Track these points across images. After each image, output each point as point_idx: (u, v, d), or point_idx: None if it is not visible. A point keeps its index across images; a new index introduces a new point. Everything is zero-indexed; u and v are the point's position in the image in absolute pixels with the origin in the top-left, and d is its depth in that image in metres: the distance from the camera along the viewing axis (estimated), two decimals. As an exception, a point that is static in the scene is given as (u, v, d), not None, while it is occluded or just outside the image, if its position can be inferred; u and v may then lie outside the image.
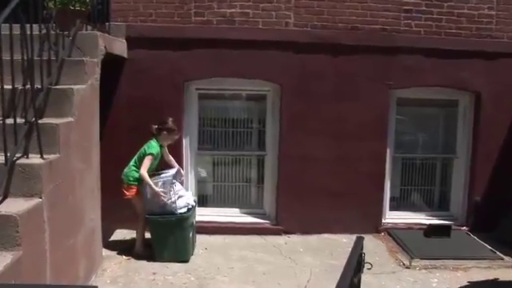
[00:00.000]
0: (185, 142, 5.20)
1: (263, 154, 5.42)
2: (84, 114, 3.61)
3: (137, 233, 4.58)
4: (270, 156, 5.36)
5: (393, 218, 5.51)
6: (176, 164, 4.65)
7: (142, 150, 4.42)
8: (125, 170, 4.43)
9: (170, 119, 4.49)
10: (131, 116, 4.96)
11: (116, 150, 4.68)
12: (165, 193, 4.24)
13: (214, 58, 4.97)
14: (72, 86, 3.44)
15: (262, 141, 5.43)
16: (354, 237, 4.94)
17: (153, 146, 4.37)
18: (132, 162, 4.43)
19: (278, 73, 5.04)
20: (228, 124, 5.43)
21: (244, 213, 5.49)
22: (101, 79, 3.96)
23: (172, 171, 4.47)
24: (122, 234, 5.05)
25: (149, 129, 4.44)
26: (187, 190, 4.93)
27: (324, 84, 5.08)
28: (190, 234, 4.46)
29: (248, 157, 5.49)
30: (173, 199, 4.28)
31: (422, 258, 4.57)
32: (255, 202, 5.59)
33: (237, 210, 5.50)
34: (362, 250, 2.84)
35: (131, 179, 4.38)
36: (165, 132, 4.44)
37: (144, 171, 4.25)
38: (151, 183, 4.23)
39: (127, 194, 4.37)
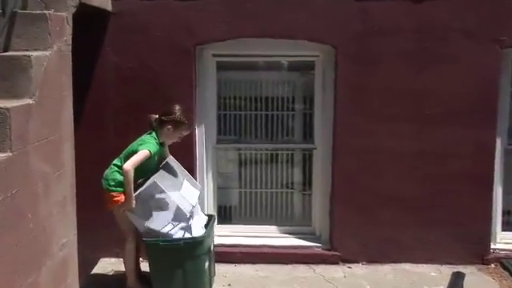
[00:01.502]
0: (198, 132, 5.21)
1: (311, 147, 5.41)
2: (49, 93, 3.53)
3: (124, 263, 4.49)
4: (321, 150, 5.32)
5: (508, 241, 5.34)
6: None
7: (131, 145, 4.32)
8: (105, 172, 4.38)
9: (178, 107, 4.34)
10: (120, 95, 4.98)
11: (98, 145, 4.77)
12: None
13: (238, 10, 4.91)
14: (29, 53, 3.38)
15: (309, 128, 5.43)
16: (445, 269, 5.02)
17: (148, 142, 4.25)
18: (115, 161, 4.37)
19: (331, 29, 4.95)
20: (259, 105, 5.43)
21: (284, 232, 5.47)
22: (74, 42, 3.92)
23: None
24: (108, 265, 5.03)
25: (147, 119, 4.35)
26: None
27: (399, 44, 4.96)
28: (206, 265, 4.36)
29: (289, 151, 5.52)
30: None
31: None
32: (300, 217, 5.59)
33: (274, 228, 5.50)
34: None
35: (112, 183, 4.27)
36: (169, 126, 4.30)
37: (130, 167, 4.08)
38: (131, 185, 4.11)
39: (108, 204, 4.29)
